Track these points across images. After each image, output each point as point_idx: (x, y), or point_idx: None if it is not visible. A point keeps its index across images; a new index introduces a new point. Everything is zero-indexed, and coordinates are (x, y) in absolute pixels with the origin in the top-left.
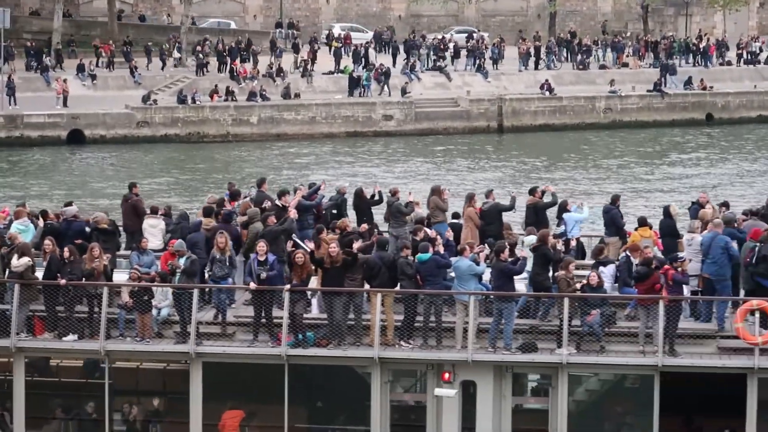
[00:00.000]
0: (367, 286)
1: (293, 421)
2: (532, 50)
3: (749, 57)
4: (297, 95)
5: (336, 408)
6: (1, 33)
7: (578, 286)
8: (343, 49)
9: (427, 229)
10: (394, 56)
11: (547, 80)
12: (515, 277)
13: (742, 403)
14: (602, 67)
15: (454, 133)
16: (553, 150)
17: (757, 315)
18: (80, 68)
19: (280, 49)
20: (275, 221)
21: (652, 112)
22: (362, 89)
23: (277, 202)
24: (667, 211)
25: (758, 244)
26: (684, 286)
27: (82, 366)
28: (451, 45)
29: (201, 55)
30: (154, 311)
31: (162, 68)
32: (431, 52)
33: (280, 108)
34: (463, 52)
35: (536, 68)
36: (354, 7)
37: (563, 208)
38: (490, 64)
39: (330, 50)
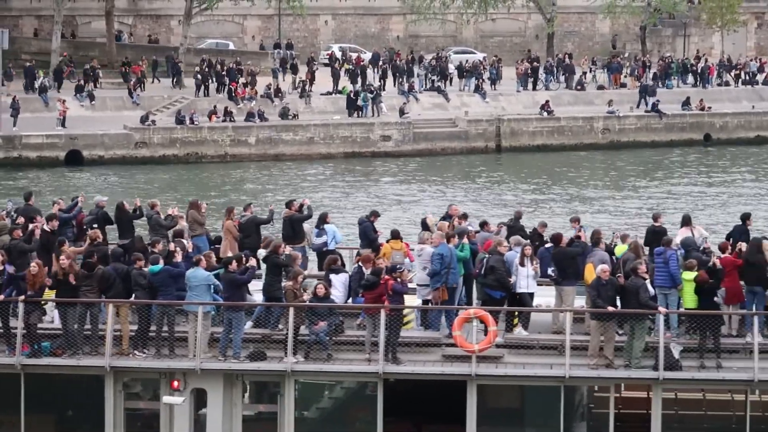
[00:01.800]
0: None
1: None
2: (529, 71)
3: (747, 77)
4: (295, 116)
5: (72, 417)
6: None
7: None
8: (356, 70)
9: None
10: (394, 76)
11: (547, 101)
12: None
13: (464, 409)
14: (600, 87)
15: (452, 153)
16: (550, 170)
17: (475, 323)
18: (78, 89)
19: (283, 68)
20: (21, 234)
21: (650, 133)
22: (360, 110)
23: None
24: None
25: (487, 255)
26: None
27: None
28: (450, 65)
29: (200, 76)
30: None
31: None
32: (429, 73)
33: (278, 128)
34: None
35: (534, 89)
36: (352, 27)
37: (323, 220)
38: (488, 85)
39: (341, 72)
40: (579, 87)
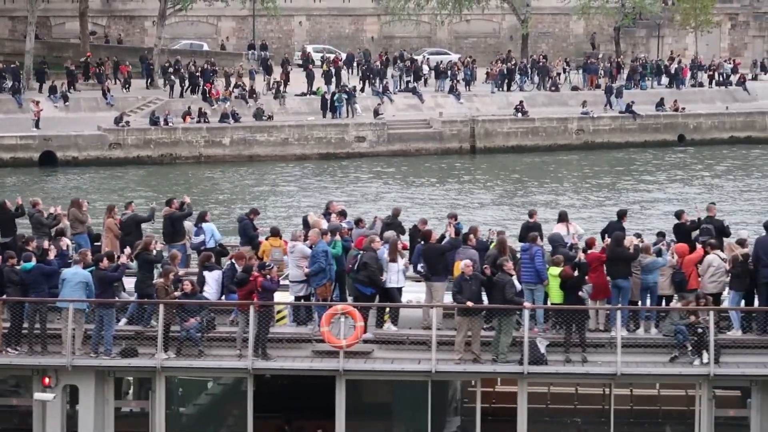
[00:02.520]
0: None
1: None
2: (505, 71)
3: (721, 78)
4: (270, 117)
5: None
6: None
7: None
8: (330, 70)
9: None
10: (368, 77)
11: (521, 102)
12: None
13: (334, 404)
14: (574, 88)
15: (426, 154)
16: (524, 171)
17: (343, 319)
18: (52, 90)
19: (265, 69)
20: None
21: (624, 134)
22: (335, 111)
23: None
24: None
25: (361, 252)
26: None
27: None
28: (425, 66)
29: (173, 77)
30: None
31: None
32: (403, 74)
33: (252, 129)
34: (434, 74)
35: (509, 90)
36: (326, 28)
37: (202, 218)
38: (463, 86)
39: (321, 74)
40: (553, 88)
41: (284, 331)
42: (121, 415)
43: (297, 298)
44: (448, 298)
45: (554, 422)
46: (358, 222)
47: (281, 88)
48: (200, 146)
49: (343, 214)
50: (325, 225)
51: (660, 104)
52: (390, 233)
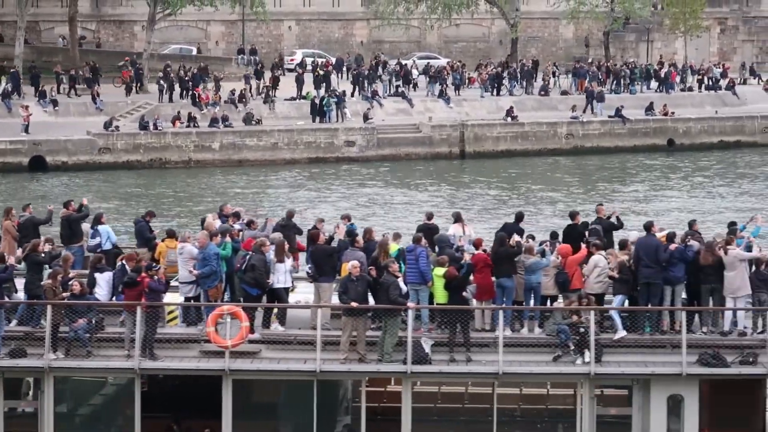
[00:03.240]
0: None
1: None
2: (495, 75)
3: (710, 83)
4: (259, 121)
5: None
6: None
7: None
8: (323, 75)
9: None
10: (358, 82)
11: (511, 107)
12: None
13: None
14: (564, 93)
15: (416, 158)
16: (514, 176)
17: (228, 319)
18: (42, 95)
19: (257, 75)
20: None
21: (613, 138)
22: (324, 115)
23: None
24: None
25: (250, 252)
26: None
27: None
28: (414, 71)
29: (162, 82)
30: None
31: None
32: (393, 78)
33: (242, 134)
34: (424, 78)
35: (498, 94)
36: (316, 33)
37: (98, 221)
38: (452, 90)
39: (315, 78)
40: (543, 92)
41: (173, 332)
42: (13, 415)
43: (187, 299)
44: (336, 299)
45: (441, 421)
46: (250, 224)
47: (271, 92)
48: (190, 151)
49: (236, 216)
50: (217, 227)
51: (649, 109)
52: (276, 234)
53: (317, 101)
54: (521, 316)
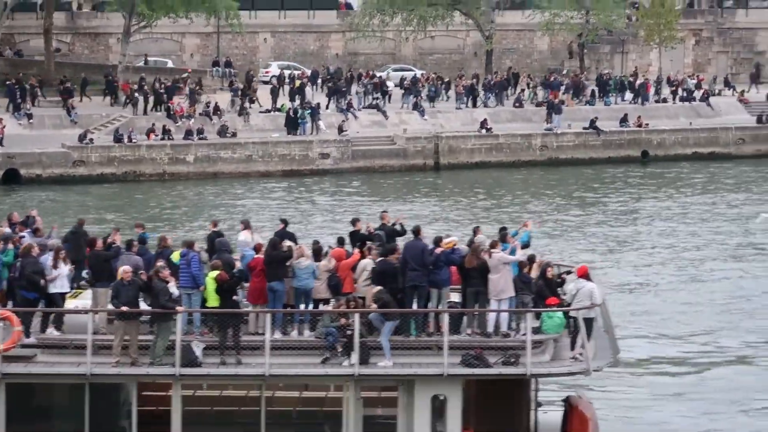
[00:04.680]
0: None
1: None
2: (468, 86)
3: (685, 94)
4: (234, 134)
5: None
6: None
7: None
8: (298, 87)
9: None
10: (334, 94)
11: (485, 119)
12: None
13: None
14: (538, 105)
15: (390, 171)
16: (488, 187)
17: (0, 324)
18: (16, 107)
19: (243, 92)
20: None
21: (588, 150)
22: (299, 127)
23: None
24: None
25: (20, 259)
26: None
27: None
28: (389, 83)
29: (137, 94)
30: None
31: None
32: (368, 90)
33: (216, 146)
34: (399, 90)
35: (474, 106)
36: (291, 45)
37: None
38: (427, 102)
39: (290, 90)
40: (517, 104)
41: None
42: None
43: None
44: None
45: (212, 424)
46: (36, 231)
47: (245, 105)
48: (164, 163)
49: (24, 224)
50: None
51: (624, 120)
52: (54, 241)
53: (292, 113)
54: (293, 318)
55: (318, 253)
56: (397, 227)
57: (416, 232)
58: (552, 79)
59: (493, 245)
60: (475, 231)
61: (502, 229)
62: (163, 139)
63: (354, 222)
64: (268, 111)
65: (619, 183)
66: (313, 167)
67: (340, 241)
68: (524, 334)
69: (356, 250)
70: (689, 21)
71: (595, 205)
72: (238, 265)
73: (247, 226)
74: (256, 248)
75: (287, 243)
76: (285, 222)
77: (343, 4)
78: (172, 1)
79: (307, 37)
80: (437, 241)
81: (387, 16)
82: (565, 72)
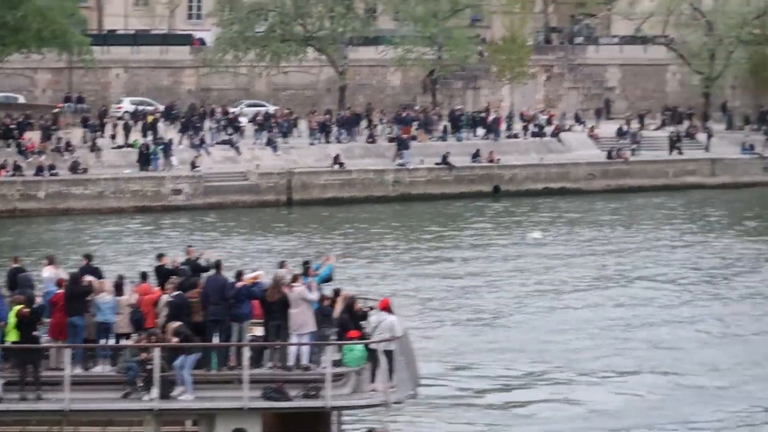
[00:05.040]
0: None
1: None
2: (321, 121)
3: (536, 130)
4: (85, 170)
5: None
6: None
7: None
8: (149, 123)
9: None
10: (186, 129)
11: (338, 154)
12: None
13: None
14: (391, 140)
15: (243, 206)
16: (340, 223)
17: None
18: None
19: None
20: None
21: (440, 185)
22: (151, 163)
23: None
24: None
25: None
26: None
27: None
28: (243, 119)
29: None
30: None
31: None
32: (221, 126)
33: (67, 182)
34: (253, 126)
35: (327, 141)
36: (144, 81)
37: None
38: (281, 138)
39: (143, 126)
40: (370, 140)
41: None
42: None
43: None
44: None
45: None
46: None
47: (97, 140)
48: (15, 200)
49: None
50: None
51: (476, 155)
52: None
53: (144, 149)
54: (94, 353)
55: (120, 288)
56: (201, 262)
57: (217, 266)
58: (404, 114)
59: (294, 279)
60: (282, 265)
61: (305, 263)
62: (13, 175)
63: (159, 257)
64: (120, 147)
65: (472, 217)
66: (165, 203)
67: (143, 276)
68: (325, 367)
69: (157, 288)
70: (541, 57)
71: (441, 239)
72: (39, 300)
73: (51, 261)
74: (59, 283)
75: (88, 278)
76: (89, 257)
77: (197, 40)
78: (24, 36)
79: (159, 72)
80: (238, 275)
81: (240, 51)
82: (417, 107)
